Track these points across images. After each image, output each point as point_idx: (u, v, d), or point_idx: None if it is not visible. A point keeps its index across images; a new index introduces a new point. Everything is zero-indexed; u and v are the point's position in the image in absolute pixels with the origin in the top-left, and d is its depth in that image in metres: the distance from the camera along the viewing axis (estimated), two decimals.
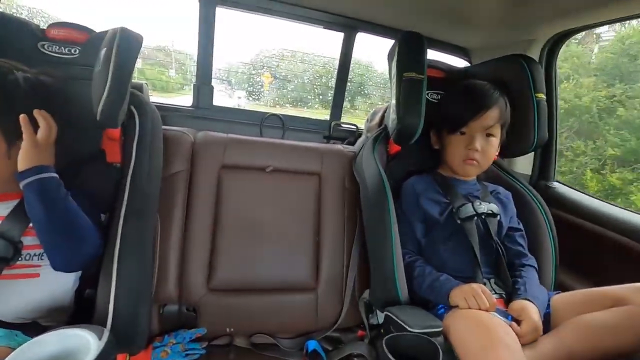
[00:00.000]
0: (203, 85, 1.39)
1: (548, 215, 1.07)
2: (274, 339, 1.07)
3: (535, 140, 1.04)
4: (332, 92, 1.55)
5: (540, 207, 1.07)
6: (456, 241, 0.95)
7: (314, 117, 1.60)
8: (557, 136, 1.30)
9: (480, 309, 0.78)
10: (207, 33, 1.33)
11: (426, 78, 0.97)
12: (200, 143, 1.09)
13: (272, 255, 1.09)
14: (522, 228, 1.03)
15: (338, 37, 1.46)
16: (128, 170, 0.81)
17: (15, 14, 0.91)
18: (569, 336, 0.75)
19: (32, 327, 0.67)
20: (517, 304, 0.83)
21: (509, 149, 1.09)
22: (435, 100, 1.15)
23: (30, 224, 0.70)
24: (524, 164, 1.35)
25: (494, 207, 0.98)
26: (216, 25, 1.34)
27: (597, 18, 1.03)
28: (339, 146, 1.27)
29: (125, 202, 0.77)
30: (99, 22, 0.93)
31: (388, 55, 1.10)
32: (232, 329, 1.04)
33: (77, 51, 0.88)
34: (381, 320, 0.92)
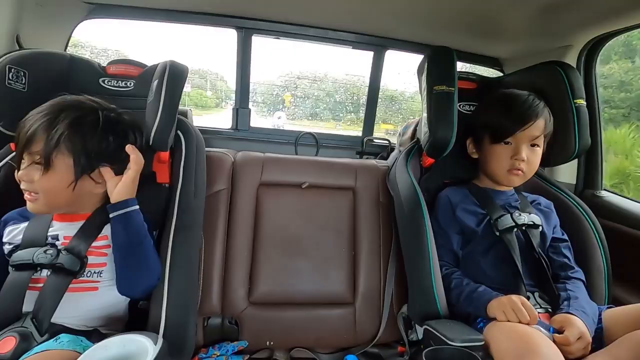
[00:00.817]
0: (241, 108, 1.48)
1: (596, 225, 1.01)
2: (313, 354, 1.08)
3: (577, 147, 1.00)
4: (363, 108, 1.59)
5: (587, 217, 1.02)
6: (496, 253, 0.93)
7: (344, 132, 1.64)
8: (602, 142, 1.24)
9: (520, 322, 0.75)
10: (244, 60, 1.43)
11: (457, 90, 0.98)
12: (240, 162, 1.15)
13: (309, 269, 1.11)
14: (567, 239, 0.98)
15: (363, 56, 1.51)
16: (176, 189, 0.88)
17: (80, 55, 1.03)
18: (624, 353, 0.70)
19: (93, 333, 0.73)
20: (560, 316, 0.79)
21: (551, 158, 1.05)
22: (469, 112, 1.15)
23: (93, 243, 0.78)
24: (567, 173, 1.29)
25: (535, 217, 0.95)
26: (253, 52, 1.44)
27: (636, 20, 1.00)
28: (373, 161, 1.29)
29: (174, 218, 0.83)
30: (151, 52, 1.02)
31: (417, 71, 1.12)
32: (272, 342, 1.07)
33: (132, 84, 0.98)
34: (421, 336, 0.90)
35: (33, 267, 0.72)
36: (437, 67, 1.00)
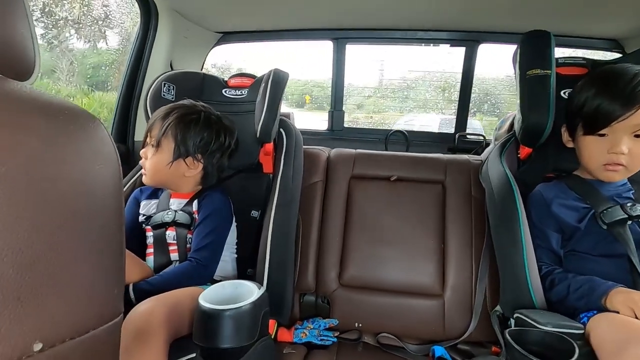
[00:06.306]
0: (336, 111, 1.63)
1: None
2: (401, 342, 1.11)
3: None
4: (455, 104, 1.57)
5: None
6: (605, 250, 0.83)
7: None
8: None
9: None
10: (339, 68, 1.57)
11: (554, 73, 0.92)
12: (334, 158, 1.28)
13: (396, 259, 1.15)
14: None
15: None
16: (278, 174, 1.05)
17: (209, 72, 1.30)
18: None
19: (216, 281, 0.91)
20: None
21: None
22: None
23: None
24: None
25: None
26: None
27: None
28: (465, 156, 1.27)
29: (275, 198, 1.00)
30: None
31: (512, 59, 1.08)
32: (360, 325, 1.13)
33: (246, 92, 1.20)
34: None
35: (163, 225, 0.95)
36: (531, 50, 0.96)
